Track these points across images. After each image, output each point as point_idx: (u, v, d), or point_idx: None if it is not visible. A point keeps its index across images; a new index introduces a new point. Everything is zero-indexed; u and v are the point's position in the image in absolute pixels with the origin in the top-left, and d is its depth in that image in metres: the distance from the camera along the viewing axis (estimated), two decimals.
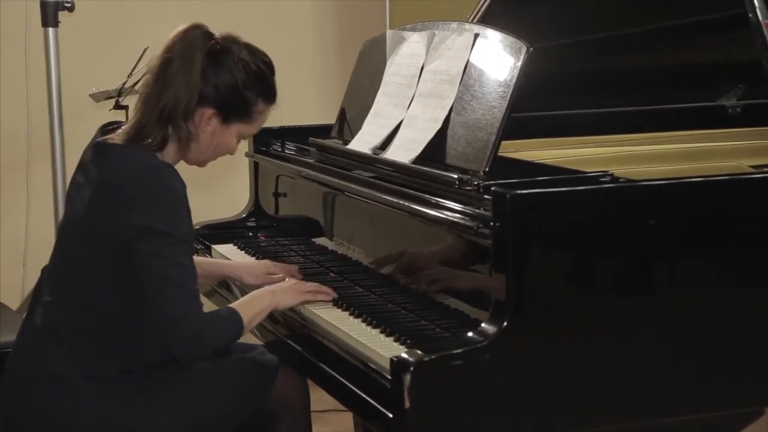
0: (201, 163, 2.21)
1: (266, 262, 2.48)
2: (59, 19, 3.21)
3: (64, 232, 2.18)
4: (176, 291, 2.03)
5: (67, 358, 2.07)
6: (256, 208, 2.88)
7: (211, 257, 2.75)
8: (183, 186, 2.07)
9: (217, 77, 2.10)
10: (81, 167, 2.17)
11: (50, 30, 3.21)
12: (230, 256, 2.68)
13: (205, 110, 2.10)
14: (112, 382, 2.07)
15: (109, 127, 2.19)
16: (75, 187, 2.17)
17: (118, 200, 2.04)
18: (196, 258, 2.51)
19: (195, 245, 2.82)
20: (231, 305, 2.17)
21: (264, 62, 2.17)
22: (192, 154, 2.16)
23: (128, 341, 2.09)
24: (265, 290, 2.24)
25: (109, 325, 2.08)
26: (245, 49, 2.15)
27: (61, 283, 2.13)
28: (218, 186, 3.80)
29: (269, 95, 2.17)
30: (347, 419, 3.01)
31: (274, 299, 2.20)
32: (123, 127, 2.16)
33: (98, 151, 2.14)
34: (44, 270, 2.19)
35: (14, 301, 2.56)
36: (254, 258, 2.62)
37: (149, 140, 2.09)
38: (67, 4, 3.18)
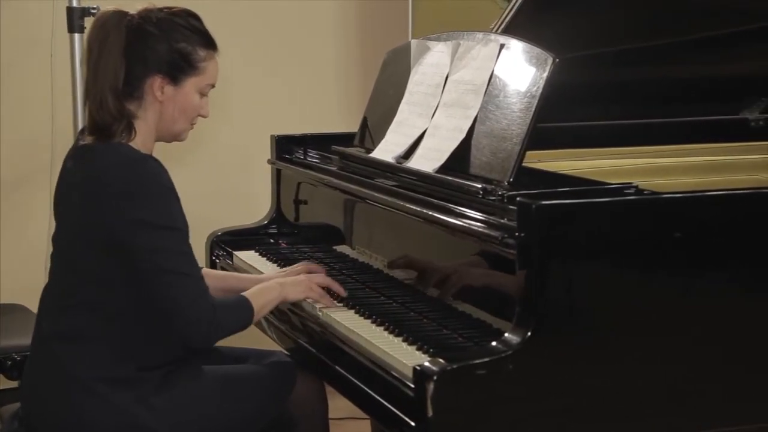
0: (177, 135, 2.19)
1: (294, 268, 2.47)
2: (84, 25, 3.22)
3: (59, 239, 2.17)
4: (183, 281, 2.05)
5: (82, 361, 2.08)
6: (277, 215, 2.89)
7: (233, 263, 2.76)
8: (167, 174, 2.08)
9: (147, 44, 2.10)
10: (63, 175, 2.17)
11: (76, 35, 3.23)
12: (251, 262, 2.69)
13: (152, 80, 2.11)
14: (130, 381, 2.08)
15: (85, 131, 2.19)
16: (61, 195, 2.17)
17: (107, 198, 2.05)
18: (223, 273, 2.50)
19: (217, 251, 2.85)
20: (241, 294, 2.19)
21: (185, 13, 2.16)
22: (164, 129, 2.16)
23: (141, 338, 2.10)
24: (275, 281, 2.27)
25: (117, 325, 2.08)
26: (162, 11, 2.14)
27: (65, 290, 2.13)
28: (238, 192, 3.82)
29: (204, 41, 2.16)
30: (365, 427, 3.01)
31: (283, 291, 2.24)
32: (85, 128, 2.17)
33: (77, 155, 2.15)
34: (47, 284, 2.20)
35: (36, 305, 2.56)
36: (276, 265, 2.63)
37: (115, 129, 2.09)
38: (92, 10, 3.19)
